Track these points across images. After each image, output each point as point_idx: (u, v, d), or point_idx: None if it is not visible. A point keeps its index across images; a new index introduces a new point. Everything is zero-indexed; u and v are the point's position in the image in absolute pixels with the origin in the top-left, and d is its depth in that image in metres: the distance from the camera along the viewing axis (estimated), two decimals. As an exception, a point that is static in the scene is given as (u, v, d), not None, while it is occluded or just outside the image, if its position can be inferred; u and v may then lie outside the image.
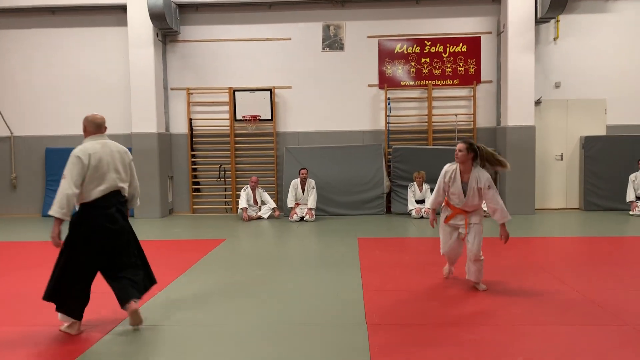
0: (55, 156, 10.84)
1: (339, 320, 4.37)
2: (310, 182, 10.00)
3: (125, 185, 4.30)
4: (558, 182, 10.89)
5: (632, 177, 10.02)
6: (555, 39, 10.65)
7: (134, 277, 4.23)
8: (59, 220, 3.99)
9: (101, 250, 4.12)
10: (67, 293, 4.08)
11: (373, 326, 4.17)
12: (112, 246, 4.16)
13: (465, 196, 5.06)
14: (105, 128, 4.47)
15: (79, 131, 10.46)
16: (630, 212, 9.81)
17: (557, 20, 10.54)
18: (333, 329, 4.16)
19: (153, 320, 4.42)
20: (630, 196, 9.96)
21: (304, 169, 10.06)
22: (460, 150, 5.03)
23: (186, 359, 3.62)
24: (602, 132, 10.71)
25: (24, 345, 3.92)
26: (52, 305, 4.14)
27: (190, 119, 11.04)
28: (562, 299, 4.82)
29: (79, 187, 4.05)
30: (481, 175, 5.02)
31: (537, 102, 10.52)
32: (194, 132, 11.08)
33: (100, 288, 4.36)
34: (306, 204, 9.94)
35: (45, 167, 11.00)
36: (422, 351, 3.67)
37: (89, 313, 4.25)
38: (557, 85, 10.74)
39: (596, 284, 5.30)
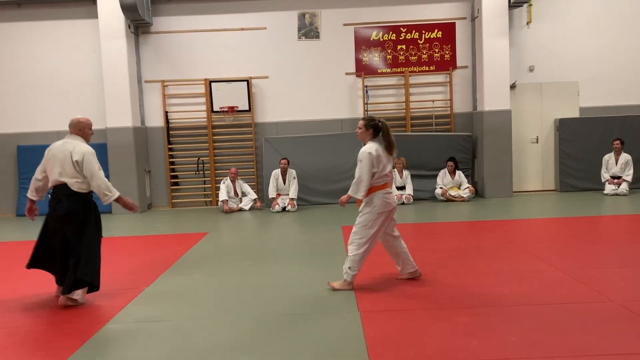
0: (27, 154, 10.56)
1: (330, 308, 4.39)
2: (291, 172, 9.97)
3: (69, 180, 4.64)
4: (534, 164, 11.09)
5: (605, 157, 10.25)
6: (528, 23, 10.78)
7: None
8: None
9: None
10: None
11: (365, 313, 4.19)
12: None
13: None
14: (70, 127, 4.85)
15: (52, 127, 10.56)
16: (604, 192, 10.05)
17: (530, 5, 10.66)
18: (326, 318, 4.17)
19: (144, 315, 4.37)
20: (604, 176, 10.20)
21: (285, 159, 10.01)
22: (359, 128, 4.91)
23: (181, 353, 3.59)
24: (575, 114, 10.92)
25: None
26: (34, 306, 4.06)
27: (166, 112, 10.87)
28: (547, 278, 4.92)
29: (39, 174, 4.79)
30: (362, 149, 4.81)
31: (512, 86, 10.66)
32: (170, 125, 10.92)
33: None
34: (287, 194, 9.91)
35: (18, 165, 10.71)
36: (417, 335, 3.71)
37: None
38: (531, 69, 10.89)
39: (578, 262, 5.42)
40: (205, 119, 10.88)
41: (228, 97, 10.68)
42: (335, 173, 10.48)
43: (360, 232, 4.85)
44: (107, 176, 10.56)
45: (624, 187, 9.91)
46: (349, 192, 4.85)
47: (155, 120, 10.97)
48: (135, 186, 10.31)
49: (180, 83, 10.86)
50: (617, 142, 10.12)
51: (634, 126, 10.56)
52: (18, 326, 4.25)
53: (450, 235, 7.27)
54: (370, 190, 4.80)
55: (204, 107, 10.87)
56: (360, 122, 4.94)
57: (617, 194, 9.89)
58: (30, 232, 8.91)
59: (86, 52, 10.65)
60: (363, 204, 4.87)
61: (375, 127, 4.85)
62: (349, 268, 4.82)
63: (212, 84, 10.69)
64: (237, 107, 10.70)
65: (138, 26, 10.67)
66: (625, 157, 10.09)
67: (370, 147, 4.79)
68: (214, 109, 10.74)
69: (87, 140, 4.86)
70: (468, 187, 10.08)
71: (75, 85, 10.71)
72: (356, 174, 4.80)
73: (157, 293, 5.00)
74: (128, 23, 10.24)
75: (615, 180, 10.06)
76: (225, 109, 10.68)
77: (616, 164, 10.14)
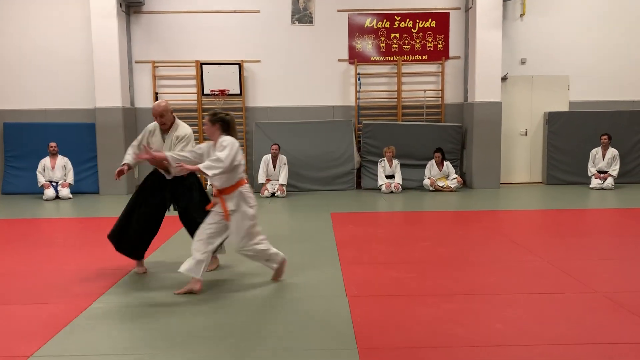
0: (14, 131, 10.42)
1: (319, 292, 4.41)
2: (282, 158, 9.95)
3: None
4: (522, 156, 11.17)
5: (593, 152, 10.36)
6: (521, 15, 10.80)
7: None
8: None
9: None
10: None
11: (353, 298, 4.22)
12: None
13: None
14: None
15: (40, 105, 10.51)
16: (590, 186, 10.17)
17: (524, -3, 10.69)
18: (314, 302, 4.19)
19: (133, 295, 4.36)
20: (591, 171, 10.31)
21: (276, 144, 9.99)
22: (205, 125, 4.50)
23: (169, 333, 3.59)
24: (565, 108, 11.00)
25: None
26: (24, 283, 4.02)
27: (156, 93, 10.76)
28: (532, 268, 4.98)
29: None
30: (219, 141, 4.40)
31: (504, 78, 10.69)
32: (160, 107, 10.80)
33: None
34: (277, 180, 9.90)
35: (4, 143, 10.55)
36: (404, 321, 3.74)
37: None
38: (523, 62, 10.93)
39: (564, 254, 5.49)
40: (196, 102, 10.79)
41: (219, 80, 10.60)
42: (326, 160, 10.48)
43: (253, 229, 4.57)
44: (95, 157, 10.57)
45: (609, 181, 10.03)
46: (201, 166, 4.19)
47: (145, 101, 10.86)
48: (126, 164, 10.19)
49: (171, 64, 10.75)
50: (605, 137, 10.22)
51: (622, 121, 10.67)
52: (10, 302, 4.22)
53: (438, 224, 7.32)
54: (238, 184, 4.45)
55: (194, 90, 10.78)
56: (206, 119, 4.46)
57: (602, 188, 10.01)
58: (13, 210, 8.85)
59: (76, 30, 10.48)
60: (234, 202, 4.41)
61: (222, 121, 4.39)
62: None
63: (203, 66, 10.59)
64: (228, 90, 10.63)
65: (130, 5, 10.52)
66: (612, 152, 10.21)
67: (232, 139, 4.38)
68: (205, 92, 10.66)
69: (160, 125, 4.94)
70: (456, 178, 10.13)
71: (64, 64, 10.55)
72: (218, 154, 4.23)
73: (147, 275, 4.98)
74: (119, 2, 10.09)
75: (602, 175, 10.17)
76: (216, 92, 10.60)
77: (603, 158, 10.25)
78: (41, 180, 9.81)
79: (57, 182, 9.86)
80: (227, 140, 4.33)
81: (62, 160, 9.98)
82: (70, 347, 3.41)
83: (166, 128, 4.88)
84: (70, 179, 9.94)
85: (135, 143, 5.01)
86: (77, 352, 3.35)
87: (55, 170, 9.90)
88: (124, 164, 4.88)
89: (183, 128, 4.90)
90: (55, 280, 4.77)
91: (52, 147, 9.91)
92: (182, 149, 4.74)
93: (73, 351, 3.36)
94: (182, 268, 4.40)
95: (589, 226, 7.22)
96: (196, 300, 4.28)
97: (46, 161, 9.93)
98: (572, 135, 10.71)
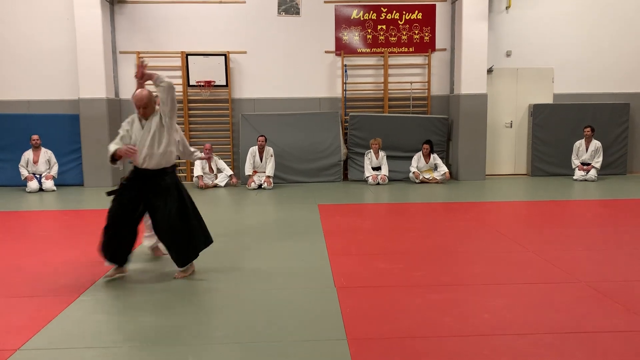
0: (-5, 122, 10.25)
1: (307, 284, 4.42)
2: (269, 150, 9.92)
3: None
4: (507, 148, 11.27)
5: (576, 144, 10.49)
6: (507, 8, 10.84)
7: None
8: None
9: None
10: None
11: (342, 289, 4.24)
12: None
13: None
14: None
15: (20, 96, 10.41)
16: (574, 177, 10.30)
17: (510, -11, 10.74)
18: (302, 293, 4.20)
19: (121, 288, 4.34)
20: (574, 163, 10.44)
21: (262, 136, 9.95)
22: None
23: (158, 327, 3.58)
24: (549, 100, 11.10)
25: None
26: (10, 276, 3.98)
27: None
28: (518, 259, 5.04)
29: None
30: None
31: (489, 71, 10.75)
32: (145, 98, 10.69)
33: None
34: (264, 172, 9.87)
35: (-15, 134, 10.39)
36: (392, 311, 3.78)
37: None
38: (508, 54, 11.00)
39: (548, 244, 5.56)
40: (181, 93, 10.69)
41: (205, 71, 10.52)
42: (312, 152, 10.48)
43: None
44: (79, 148, 10.44)
45: (592, 173, 10.17)
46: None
47: (129, 92, 10.61)
48: (108, 159, 10.08)
49: (156, 55, 10.62)
50: (588, 129, 10.35)
51: (605, 114, 10.81)
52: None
53: (424, 215, 7.37)
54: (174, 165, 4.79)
55: (180, 81, 10.68)
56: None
57: (586, 180, 10.15)
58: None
59: (60, 20, 10.31)
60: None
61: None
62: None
63: (188, 57, 10.50)
64: (214, 81, 10.55)
65: (113, -6, 10.38)
66: (595, 144, 10.34)
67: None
68: (190, 83, 10.57)
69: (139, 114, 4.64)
70: (445, 173, 10.13)
71: (47, 54, 10.39)
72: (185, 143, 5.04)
73: (132, 264, 4.96)
74: (103, -9, 9.95)
75: (585, 167, 10.31)
76: (202, 84, 10.52)
77: (586, 150, 10.38)
78: (24, 173, 9.67)
79: (40, 175, 9.74)
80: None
81: (45, 153, 9.84)
82: (58, 340, 3.39)
83: (147, 116, 4.59)
84: (54, 172, 9.82)
85: (118, 140, 4.64)
86: (64, 345, 3.33)
87: (39, 164, 9.76)
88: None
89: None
90: (41, 274, 4.73)
91: (34, 139, 9.76)
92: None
93: (61, 344, 3.34)
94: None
95: (572, 217, 7.32)
96: (184, 293, 4.27)
97: (29, 154, 9.79)
98: (556, 127, 10.83)
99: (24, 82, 10.39)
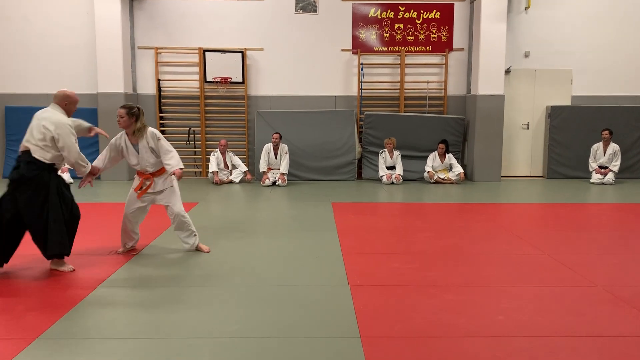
0: (15, 115, 10.39)
1: (321, 281, 4.44)
2: (283, 147, 9.95)
3: (30, 147, 4.49)
4: (523, 150, 11.18)
5: (594, 147, 10.37)
6: (526, 8, 10.75)
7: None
8: None
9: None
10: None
11: (355, 287, 4.25)
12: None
13: (138, 158, 5.03)
14: (56, 97, 4.72)
15: (42, 90, 10.46)
16: (591, 181, 10.19)
17: (529, -10, 10.64)
18: (316, 290, 4.22)
19: (139, 280, 4.40)
20: (591, 166, 10.33)
21: (277, 133, 9.98)
22: (121, 117, 4.89)
23: (170, 316, 3.62)
24: (567, 102, 10.99)
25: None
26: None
27: (159, 80, 10.73)
28: (533, 261, 5.01)
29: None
30: (147, 132, 4.95)
31: (507, 71, 10.67)
32: (162, 93, 10.80)
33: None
34: (278, 169, 9.90)
35: (5, 127, 10.55)
36: (406, 310, 3.78)
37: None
38: (527, 55, 10.91)
39: (564, 247, 5.52)
40: (198, 89, 10.77)
41: (222, 67, 10.58)
42: (327, 150, 10.49)
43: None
44: (96, 142, 10.54)
45: (610, 176, 10.06)
46: (178, 165, 5.00)
47: (147, 87, 10.84)
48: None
49: (174, 51, 10.71)
50: (606, 132, 10.23)
51: (623, 117, 10.68)
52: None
53: (439, 216, 7.34)
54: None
55: (197, 77, 10.76)
56: (122, 111, 4.89)
57: (603, 183, 10.03)
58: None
59: (79, 15, 10.43)
60: (167, 180, 5.15)
61: (135, 114, 4.90)
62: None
63: (206, 53, 10.56)
64: (231, 78, 10.60)
65: (133, -10, 10.47)
66: (613, 147, 10.22)
67: (150, 128, 5.03)
68: (207, 79, 10.64)
69: (68, 115, 4.69)
70: (460, 173, 10.09)
71: (67, 48, 10.52)
72: (170, 149, 5.03)
73: (149, 257, 5.01)
74: (123, -14, 10.04)
75: (602, 170, 10.19)
76: (219, 80, 10.58)
77: (604, 154, 10.26)
78: None
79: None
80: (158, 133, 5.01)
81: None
82: (76, 330, 3.44)
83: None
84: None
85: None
86: (82, 335, 3.39)
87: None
88: None
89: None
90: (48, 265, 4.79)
91: None
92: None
93: (78, 334, 3.39)
94: (188, 247, 5.25)
95: (589, 220, 7.25)
96: (200, 288, 4.31)
97: None
98: (573, 129, 10.72)
99: (44, 76, 10.53)
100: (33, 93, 10.47)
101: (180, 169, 4.98)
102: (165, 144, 5.01)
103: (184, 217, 5.18)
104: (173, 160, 4.96)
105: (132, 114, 4.90)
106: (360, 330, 3.42)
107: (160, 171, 5.09)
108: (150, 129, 5.02)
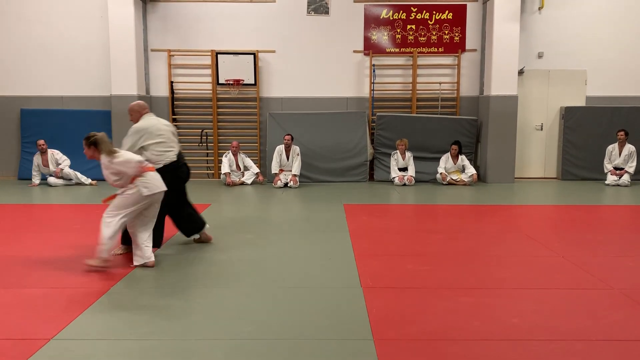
0: (30, 117, 10.52)
1: (333, 283, 4.43)
2: (295, 149, 9.95)
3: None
4: (537, 151, 11.09)
5: (609, 148, 10.25)
6: (540, 8, 10.66)
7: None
8: None
9: None
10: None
11: (368, 289, 4.23)
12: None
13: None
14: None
15: (56, 92, 10.57)
16: (606, 182, 10.08)
17: (543, -10, 10.56)
18: (329, 292, 4.21)
19: (154, 282, 4.42)
20: (607, 167, 10.21)
21: (288, 135, 9.99)
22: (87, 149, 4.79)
23: (182, 321, 3.63)
24: (581, 102, 10.88)
25: (19, 305, 3.87)
26: (42, 267, 4.07)
27: (172, 82, 10.80)
28: (548, 263, 4.96)
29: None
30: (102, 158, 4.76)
31: (520, 72, 10.59)
32: (175, 95, 10.86)
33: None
34: (290, 171, 9.91)
35: (21, 129, 10.66)
36: (419, 313, 3.75)
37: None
38: (540, 56, 10.82)
39: (579, 249, 5.46)
40: (211, 91, 10.82)
41: (234, 69, 10.61)
42: (339, 151, 10.48)
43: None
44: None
45: (625, 178, 9.94)
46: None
47: (160, 89, 10.91)
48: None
49: (186, 53, 10.77)
50: (622, 133, 10.10)
51: (639, 117, 10.53)
52: (29, 285, 4.29)
53: (451, 218, 7.30)
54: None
55: (209, 79, 10.80)
56: (84, 143, 4.75)
57: (618, 185, 9.91)
58: (31, 195, 8.96)
59: (93, 17, 10.54)
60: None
61: (94, 143, 4.71)
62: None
63: (218, 55, 10.60)
64: (243, 80, 10.63)
65: (146, -7, 10.55)
66: (629, 148, 10.09)
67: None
68: (220, 81, 10.67)
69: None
70: (473, 175, 10.02)
71: (81, 51, 10.62)
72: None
73: (162, 258, 5.03)
74: (136, -10, 10.12)
75: (618, 172, 10.07)
76: (231, 82, 10.61)
77: (619, 155, 10.14)
78: (35, 181, 9.86)
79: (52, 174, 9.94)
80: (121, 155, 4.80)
81: (52, 155, 9.94)
82: (90, 330, 3.47)
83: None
84: (63, 165, 9.89)
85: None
86: (97, 335, 3.41)
87: (49, 167, 9.92)
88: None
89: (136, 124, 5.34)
90: (73, 265, 4.83)
91: (40, 145, 9.80)
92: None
93: (93, 334, 3.41)
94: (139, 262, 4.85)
95: (605, 222, 7.16)
96: (211, 289, 4.32)
97: (38, 159, 9.92)
98: (588, 130, 10.61)
99: (58, 79, 10.64)
100: (47, 95, 10.59)
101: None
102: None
103: (105, 220, 4.79)
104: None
105: (90, 144, 4.72)
106: (374, 333, 3.41)
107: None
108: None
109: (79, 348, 3.22)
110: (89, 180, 9.96)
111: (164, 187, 4.92)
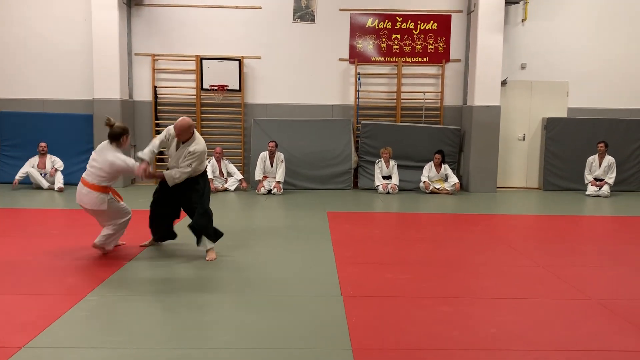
0: (10, 120, 10.35)
1: (314, 291, 4.40)
2: (279, 156, 9.92)
3: None
4: (519, 161, 11.19)
5: (590, 159, 10.37)
6: (523, 20, 10.81)
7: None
8: None
9: None
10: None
11: (348, 298, 4.21)
12: None
13: None
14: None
15: (37, 95, 10.43)
16: (586, 193, 10.19)
17: (526, 2, 10.68)
18: (309, 300, 4.18)
19: (129, 288, 4.35)
20: (587, 178, 10.33)
21: (273, 141, 9.96)
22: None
23: (160, 329, 3.58)
24: (563, 114, 11.02)
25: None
26: (17, 273, 3.98)
27: (155, 86, 10.72)
28: (528, 273, 4.98)
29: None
30: None
31: (503, 83, 10.70)
32: (158, 100, 10.78)
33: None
34: (274, 177, 9.87)
35: (0, 132, 10.48)
36: (399, 322, 3.74)
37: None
38: (523, 67, 10.95)
39: (559, 259, 5.50)
40: (195, 96, 10.76)
41: (219, 75, 10.57)
42: (323, 159, 10.47)
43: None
44: (91, 148, 10.51)
45: (605, 189, 10.06)
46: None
47: (143, 94, 10.82)
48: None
49: (170, 58, 10.71)
50: (602, 144, 10.24)
51: (619, 130, 10.70)
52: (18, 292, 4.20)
53: (434, 226, 7.32)
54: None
55: (193, 84, 10.75)
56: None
57: (598, 196, 10.04)
58: (11, 199, 8.80)
59: (77, 21, 10.43)
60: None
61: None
62: None
63: (203, 60, 10.56)
64: (227, 86, 10.59)
65: (131, -3, 10.48)
66: (609, 159, 10.23)
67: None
68: (204, 87, 10.62)
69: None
70: (455, 184, 10.07)
71: (63, 54, 10.50)
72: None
73: (142, 264, 4.96)
74: (121, -7, 10.04)
75: (598, 183, 10.20)
76: (215, 87, 10.57)
77: (600, 166, 10.26)
78: (17, 178, 9.69)
79: (46, 174, 9.83)
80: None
81: (50, 159, 9.87)
82: (64, 339, 3.39)
83: (183, 140, 5.26)
84: (57, 165, 9.85)
85: (156, 142, 5.36)
86: (70, 344, 3.33)
87: (46, 168, 9.81)
88: (143, 161, 5.26)
89: (198, 144, 5.22)
90: (50, 271, 4.75)
91: (42, 147, 9.81)
92: (189, 164, 5.19)
93: (66, 343, 3.34)
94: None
95: (584, 233, 7.23)
96: (190, 297, 4.27)
97: (35, 160, 9.82)
98: (569, 141, 10.74)
99: (39, 82, 10.51)
100: (28, 98, 10.44)
101: None
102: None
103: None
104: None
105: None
106: (352, 343, 3.38)
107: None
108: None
109: (51, 357, 3.15)
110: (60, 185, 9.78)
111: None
